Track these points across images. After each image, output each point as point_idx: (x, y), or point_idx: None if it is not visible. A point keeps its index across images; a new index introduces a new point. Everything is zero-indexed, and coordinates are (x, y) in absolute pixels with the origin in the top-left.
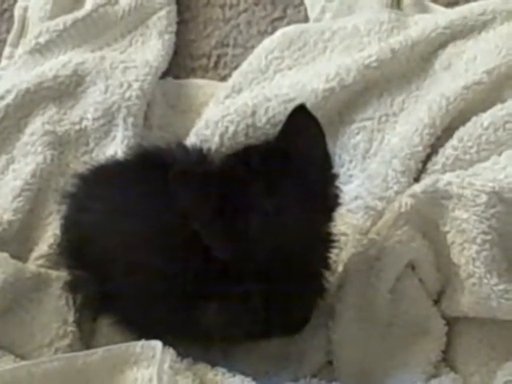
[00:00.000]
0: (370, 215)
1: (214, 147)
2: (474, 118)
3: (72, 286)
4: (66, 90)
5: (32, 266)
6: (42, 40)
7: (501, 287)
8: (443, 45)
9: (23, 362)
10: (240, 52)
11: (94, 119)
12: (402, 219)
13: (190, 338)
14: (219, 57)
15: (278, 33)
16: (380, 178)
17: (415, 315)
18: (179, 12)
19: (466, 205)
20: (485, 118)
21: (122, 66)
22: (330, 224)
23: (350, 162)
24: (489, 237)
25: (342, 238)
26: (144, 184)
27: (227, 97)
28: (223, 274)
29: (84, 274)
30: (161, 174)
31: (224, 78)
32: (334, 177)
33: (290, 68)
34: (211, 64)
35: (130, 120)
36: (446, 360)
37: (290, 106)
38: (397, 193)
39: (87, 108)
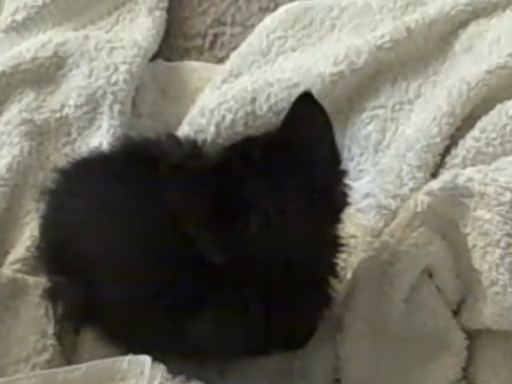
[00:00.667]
0: (382, 215)
1: (209, 138)
2: (498, 106)
3: (52, 294)
4: (46, 73)
5: (7, 270)
6: (18, 17)
7: None
8: (464, 24)
9: None
10: (239, 31)
11: (76, 106)
12: (417, 219)
13: (182, 353)
14: (216, 36)
15: (281, 9)
16: (393, 173)
17: (432, 328)
18: None
19: (489, 204)
20: (510, 105)
21: (107, 46)
22: (338, 225)
23: (361, 155)
24: None
25: (351, 241)
26: (131, 179)
27: (224, 81)
28: (218, 282)
29: (65, 281)
30: (150, 168)
31: (221, 61)
32: (343, 172)
33: (293, 49)
34: (207, 44)
35: (117, 107)
36: (467, 378)
37: (294, 92)
38: (412, 190)
39: (69, 94)
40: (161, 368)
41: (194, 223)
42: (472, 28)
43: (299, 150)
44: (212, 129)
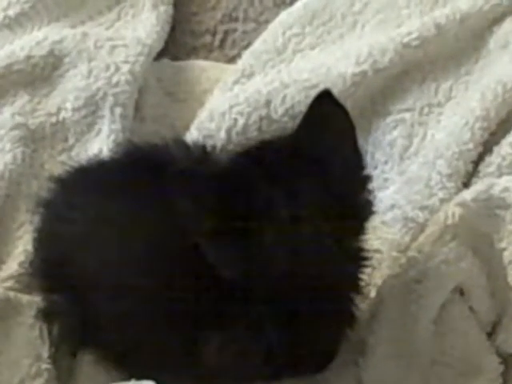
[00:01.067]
0: (409, 228)
1: (219, 144)
2: None
3: (47, 314)
4: (41, 73)
5: None
6: (11, 12)
7: None
8: (499, 19)
9: None
10: (252, 28)
11: (74, 109)
12: (448, 233)
13: (189, 377)
14: (226, 33)
15: (298, 4)
16: (422, 182)
17: (464, 351)
18: None
19: None
20: None
21: (108, 44)
22: (361, 238)
23: (385, 162)
24: None
25: (376, 256)
26: (135, 188)
27: (236, 82)
28: (230, 298)
29: (62, 300)
30: (155, 175)
31: (232, 60)
32: (366, 180)
33: (312, 47)
34: (216, 42)
35: (118, 110)
36: None
37: (312, 94)
38: (442, 201)
39: (66, 96)
40: None
41: (204, 234)
42: (508, 24)
43: (318, 154)
44: (222, 134)
